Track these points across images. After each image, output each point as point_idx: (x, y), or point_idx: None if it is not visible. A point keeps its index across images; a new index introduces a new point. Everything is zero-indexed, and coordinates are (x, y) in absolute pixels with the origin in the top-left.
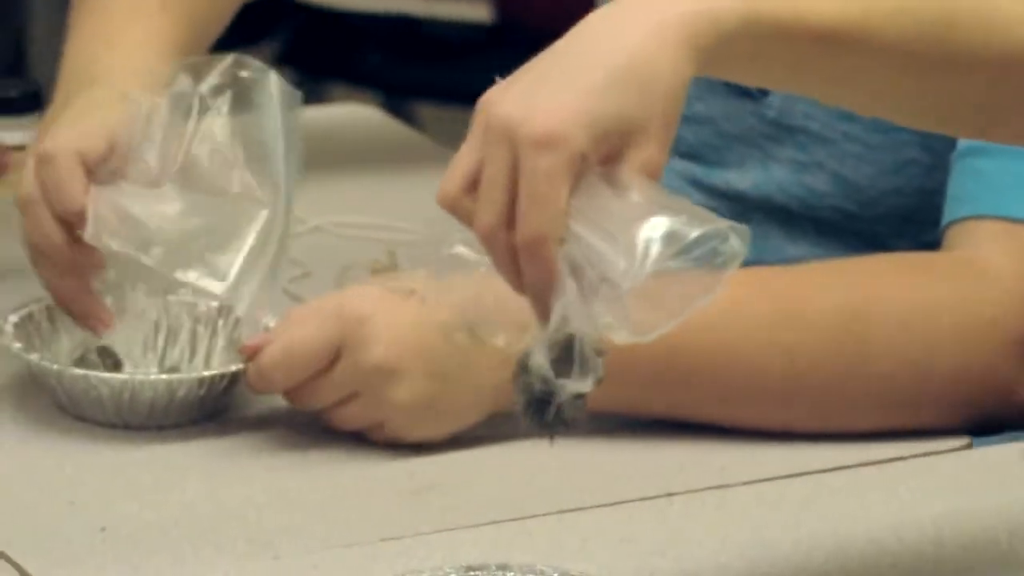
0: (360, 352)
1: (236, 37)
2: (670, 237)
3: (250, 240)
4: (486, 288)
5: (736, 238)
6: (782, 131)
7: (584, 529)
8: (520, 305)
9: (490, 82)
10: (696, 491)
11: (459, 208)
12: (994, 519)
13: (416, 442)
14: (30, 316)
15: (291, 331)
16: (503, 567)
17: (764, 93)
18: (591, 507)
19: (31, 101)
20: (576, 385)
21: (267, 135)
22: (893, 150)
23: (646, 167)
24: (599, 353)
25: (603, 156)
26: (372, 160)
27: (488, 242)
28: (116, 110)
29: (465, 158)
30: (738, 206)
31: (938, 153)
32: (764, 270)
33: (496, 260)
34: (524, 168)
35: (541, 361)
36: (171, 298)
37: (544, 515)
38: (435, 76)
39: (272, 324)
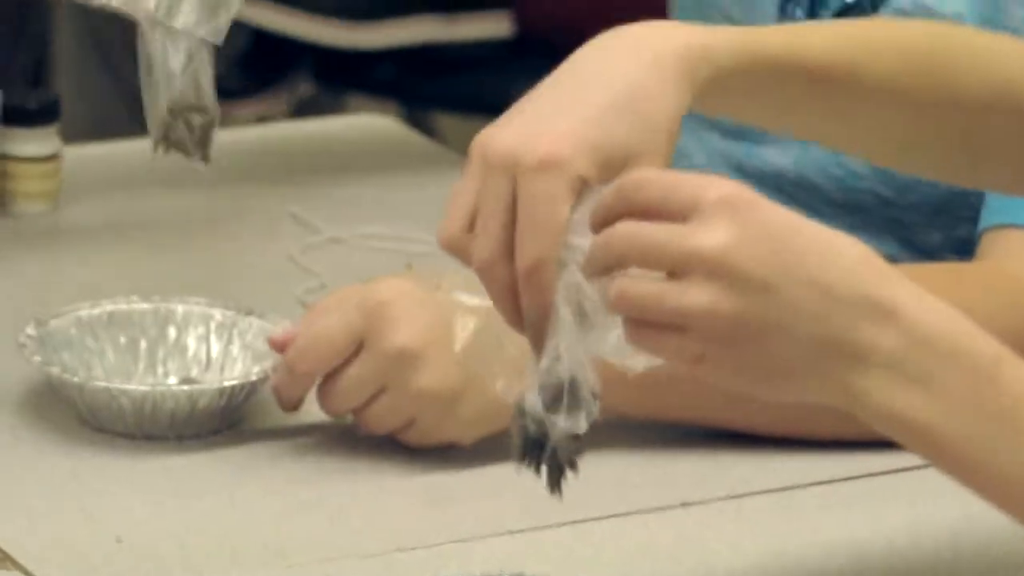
0: (383, 338)
1: (261, 49)
2: None
3: None
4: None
5: None
6: None
7: (599, 539)
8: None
9: (509, 92)
10: (712, 500)
11: (461, 248)
12: (1011, 525)
13: (445, 444)
14: (51, 327)
15: (315, 321)
16: None
17: None
18: (606, 517)
19: (49, 112)
20: (569, 425)
21: None
22: None
23: None
24: (594, 395)
25: (601, 182)
26: (391, 171)
27: (487, 276)
28: None
29: (463, 196)
30: (776, 187)
31: None
32: None
33: (494, 295)
34: (524, 193)
35: (535, 402)
36: (183, 307)
37: (559, 525)
38: (454, 87)
39: (291, 326)
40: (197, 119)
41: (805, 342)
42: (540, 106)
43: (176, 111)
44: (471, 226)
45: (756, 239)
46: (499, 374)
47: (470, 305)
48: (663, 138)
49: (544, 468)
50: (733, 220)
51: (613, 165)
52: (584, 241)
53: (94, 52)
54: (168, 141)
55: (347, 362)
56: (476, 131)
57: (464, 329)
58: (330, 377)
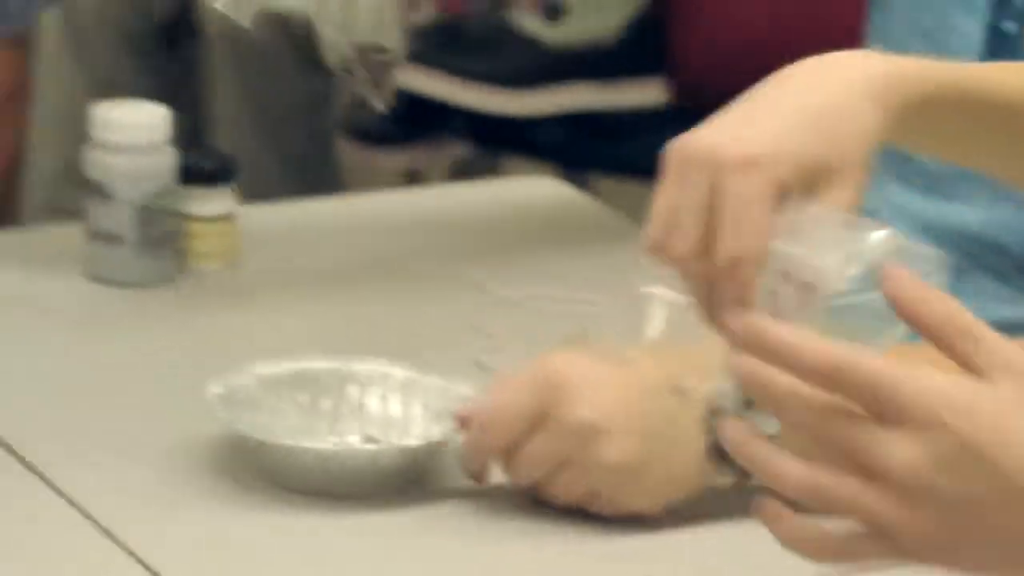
0: (566, 412)
1: (414, 103)
2: (876, 242)
3: None
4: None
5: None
6: None
7: None
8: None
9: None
10: None
11: (663, 251)
12: None
13: (632, 512)
14: (235, 384)
15: (498, 396)
16: None
17: None
18: None
19: (225, 172)
20: (763, 426)
21: None
22: None
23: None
24: None
25: (800, 189)
26: (561, 233)
27: (684, 270)
28: None
29: (662, 200)
30: (961, 246)
31: None
32: None
33: (691, 289)
34: (725, 190)
35: (727, 402)
36: (364, 366)
37: None
38: (611, 150)
39: (471, 393)
40: (378, 58)
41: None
42: (739, 114)
43: (362, 49)
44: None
45: (957, 461)
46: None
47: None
48: (857, 158)
49: (734, 468)
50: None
51: (808, 177)
52: (785, 247)
53: (251, 115)
54: (350, 75)
55: (531, 434)
56: (632, 194)
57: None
58: (514, 448)
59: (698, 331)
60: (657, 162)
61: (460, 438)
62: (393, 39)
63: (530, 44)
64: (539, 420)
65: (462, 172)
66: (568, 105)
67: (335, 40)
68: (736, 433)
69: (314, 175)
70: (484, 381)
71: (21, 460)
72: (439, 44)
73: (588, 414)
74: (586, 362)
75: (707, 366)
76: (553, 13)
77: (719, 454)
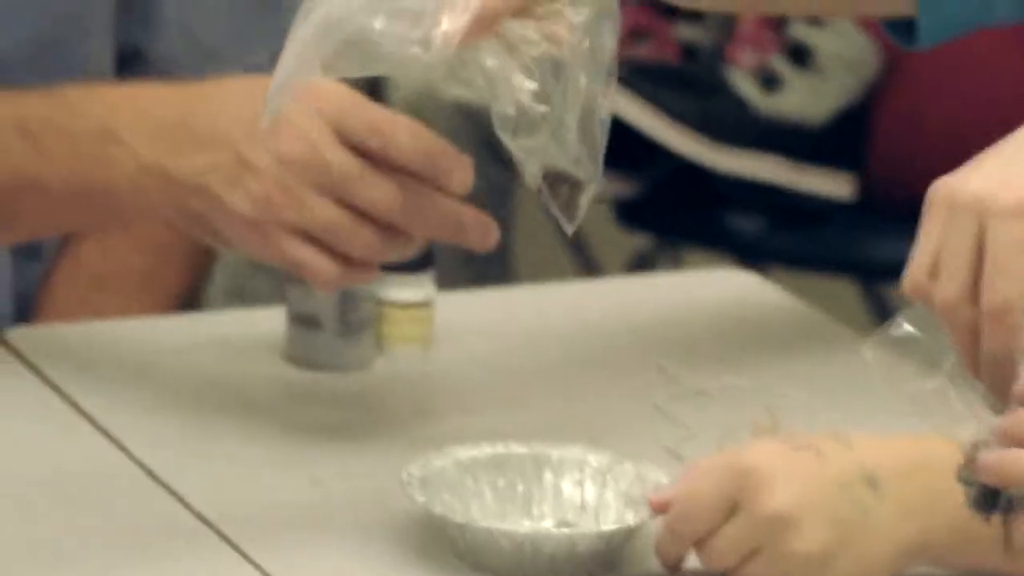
0: (757, 502)
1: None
2: None
3: None
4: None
5: None
6: None
7: None
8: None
9: (848, 250)
10: None
11: (925, 293)
12: None
13: None
14: (433, 466)
15: (692, 484)
16: None
17: None
18: None
19: (425, 260)
20: None
21: None
22: None
23: None
24: None
25: None
26: (748, 324)
27: (949, 315)
28: None
29: (925, 242)
30: None
31: None
32: None
33: (955, 335)
34: (994, 238)
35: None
36: (558, 452)
37: None
38: (792, 242)
39: (667, 480)
40: (566, 187)
41: None
42: (1004, 157)
43: (548, 176)
44: (935, 271)
45: None
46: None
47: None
48: None
49: (999, 518)
50: None
51: None
52: None
53: None
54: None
55: (724, 523)
56: (811, 287)
57: None
58: (707, 536)
59: None
60: (839, 257)
61: (655, 524)
62: (589, 171)
63: (739, 104)
64: (732, 509)
65: (642, 264)
66: (759, 174)
67: (526, 161)
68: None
69: (487, 264)
70: (677, 469)
71: (224, 537)
72: (653, 78)
73: (780, 504)
74: (778, 452)
75: (900, 456)
76: (769, 83)
77: (982, 499)
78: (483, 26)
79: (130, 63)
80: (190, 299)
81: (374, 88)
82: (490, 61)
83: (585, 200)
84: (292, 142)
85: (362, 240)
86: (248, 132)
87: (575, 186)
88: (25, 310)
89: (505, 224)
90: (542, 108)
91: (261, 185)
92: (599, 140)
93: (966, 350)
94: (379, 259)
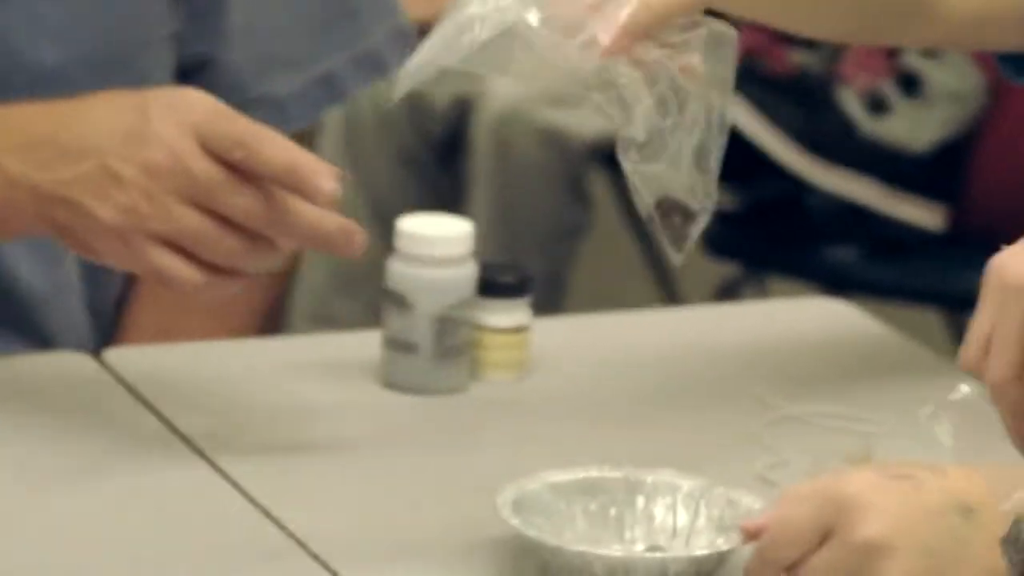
0: (851, 530)
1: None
2: None
3: None
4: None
5: None
6: None
7: None
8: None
9: (937, 281)
10: None
11: (979, 370)
12: None
13: None
14: (527, 490)
15: (785, 511)
16: None
17: None
18: None
19: (522, 286)
20: None
21: None
22: None
23: None
24: None
25: None
26: (846, 353)
27: (998, 394)
28: None
29: (980, 321)
30: None
31: None
32: None
33: (1005, 415)
34: None
35: None
36: (651, 477)
37: None
38: (880, 272)
39: (759, 506)
40: (679, 216)
41: None
42: None
43: (662, 205)
44: (988, 349)
45: None
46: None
47: None
48: None
49: None
50: None
51: None
52: None
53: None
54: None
55: (817, 550)
56: (897, 316)
57: None
58: (799, 563)
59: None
60: (930, 289)
61: (746, 551)
62: (703, 200)
63: (846, 124)
64: (825, 536)
65: (728, 293)
66: (855, 195)
67: (643, 188)
68: None
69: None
70: (768, 495)
71: (318, 560)
72: (765, 89)
73: (873, 532)
74: (872, 479)
75: (999, 484)
76: (877, 107)
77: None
78: (631, 37)
79: (196, 73)
80: (273, 323)
81: (460, 110)
82: (625, 81)
83: (696, 230)
84: (157, 152)
85: (226, 248)
86: (115, 144)
87: (687, 215)
88: (103, 331)
89: (566, 262)
90: (667, 126)
91: (126, 195)
92: (714, 170)
93: (1015, 428)
94: (244, 267)
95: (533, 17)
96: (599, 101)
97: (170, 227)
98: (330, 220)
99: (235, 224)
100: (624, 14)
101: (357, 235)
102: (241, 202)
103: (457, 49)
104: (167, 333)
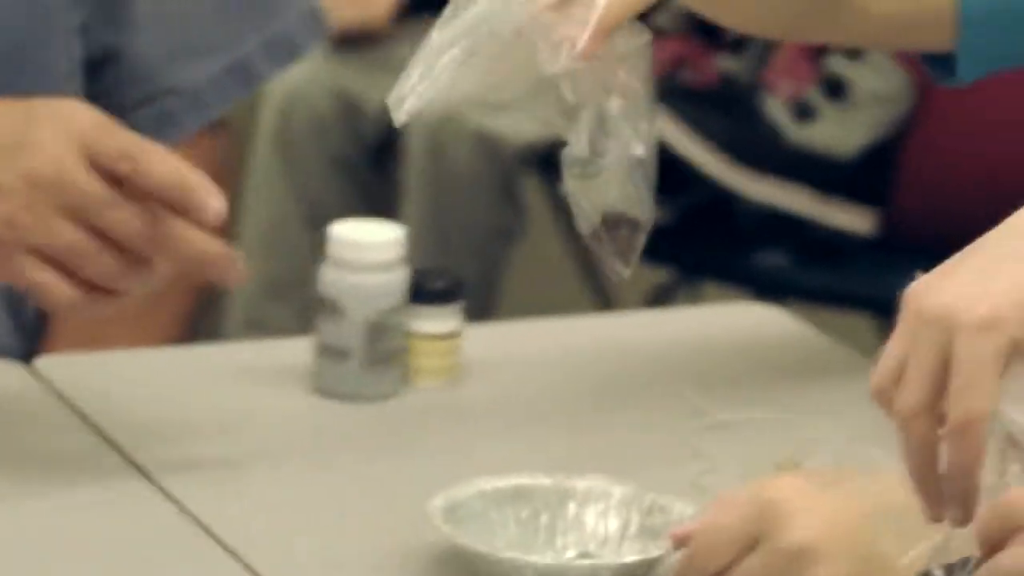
0: (779, 536)
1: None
2: None
3: None
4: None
5: None
6: None
7: None
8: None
9: (868, 286)
10: None
11: (887, 399)
12: None
13: None
14: (458, 498)
15: (713, 517)
16: None
17: None
18: None
19: (453, 292)
20: None
21: None
22: None
23: None
24: None
25: None
26: (776, 359)
27: (907, 426)
28: None
29: (893, 349)
30: None
31: None
32: None
33: (910, 448)
34: (962, 352)
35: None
36: (583, 483)
37: None
38: (812, 278)
39: (690, 513)
40: (625, 229)
41: None
42: (978, 264)
43: (607, 219)
44: (899, 378)
45: None
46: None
47: None
48: None
49: None
50: None
51: None
52: (1014, 412)
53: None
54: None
55: (745, 556)
56: (830, 322)
57: None
58: (727, 571)
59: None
60: (859, 294)
61: (677, 557)
62: (645, 210)
63: (772, 132)
64: (753, 542)
65: (661, 298)
66: (785, 203)
67: (584, 203)
68: None
69: (475, 305)
70: (700, 502)
71: (249, 568)
72: (691, 101)
73: (801, 538)
74: (800, 485)
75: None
76: (803, 114)
77: None
78: (605, 34)
79: (105, 65)
80: (207, 329)
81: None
82: (570, 94)
83: (641, 242)
84: (41, 163)
85: (103, 265)
86: None
87: (633, 227)
88: (29, 342)
89: (499, 266)
90: (608, 139)
91: (6, 205)
92: (652, 177)
93: (919, 463)
94: (120, 286)
95: (505, 27)
96: (544, 113)
97: (46, 240)
98: (213, 244)
99: (114, 242)
100: (596, 13)
101: (238, 264)
102: (122, 218)
103: (443, 78)
104: (94, 341)
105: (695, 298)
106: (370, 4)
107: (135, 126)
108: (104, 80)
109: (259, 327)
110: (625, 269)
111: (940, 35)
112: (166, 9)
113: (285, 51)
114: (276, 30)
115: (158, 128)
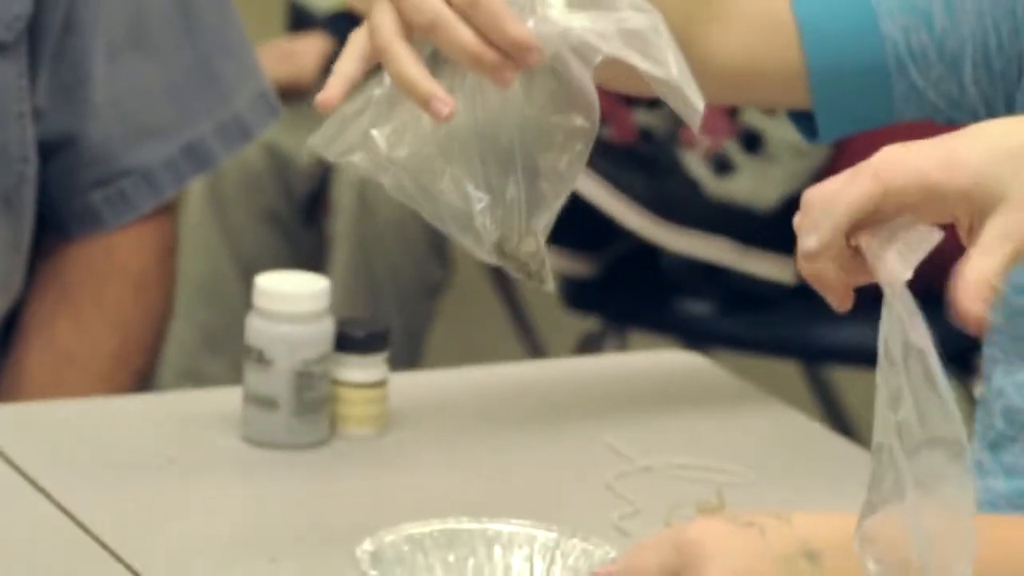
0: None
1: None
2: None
3: None
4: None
5: None
6: None
7: None
8: None
9: (792, 334)
10: None
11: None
12: None
13: None
14: (385, 543)
15: (633, 559)
16: None
17: None
18: None
19: (378, 341)
20: None
21: None
22: None
23: None
24: None
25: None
26: (699, 405)
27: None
28: None
29: (823, 186)
30: None
31: None
32: None
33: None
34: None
35: None
36: (508, 528)
37: None
38: (737, 326)
39: (613, 556)
40: (527, 256)
41: None
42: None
43: (508, 250)
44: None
45: None
46: None
47: None
48: None
49: None
50: None
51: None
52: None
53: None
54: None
55: None
56: (756, 369)
57: None
58: None
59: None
60: (780, 340)
61: None
62: (539, 239)
63: (692, 186)
64: None
65: (589, 346)
66: (708, 255)
67: (482, 239)
68: None
69: (403, 355)
70: (623, 545)
71: None
72: (610, 158)
73: None
74: (718, 527)
75: (839, 530)
76: (721, 168)
77: None
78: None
79: (62, 148)
80: (144, 379)
81: (324, 168)
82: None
83: (547, 262)
84: None
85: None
86: None
87: (534, 259)
88: None
89: (427, 318)
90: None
91: None
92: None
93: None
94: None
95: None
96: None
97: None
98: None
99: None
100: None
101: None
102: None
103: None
104: (56, 390)
105: (622, 346)
106: (299, 60)
107: (90, 206)
108: (60, 163)
109: (194, 378)
110: (551, 283)
111: (785, 92)
112: (122, 93)
113: (238, 133)
114: (229, 113)
115: (112, 208)
